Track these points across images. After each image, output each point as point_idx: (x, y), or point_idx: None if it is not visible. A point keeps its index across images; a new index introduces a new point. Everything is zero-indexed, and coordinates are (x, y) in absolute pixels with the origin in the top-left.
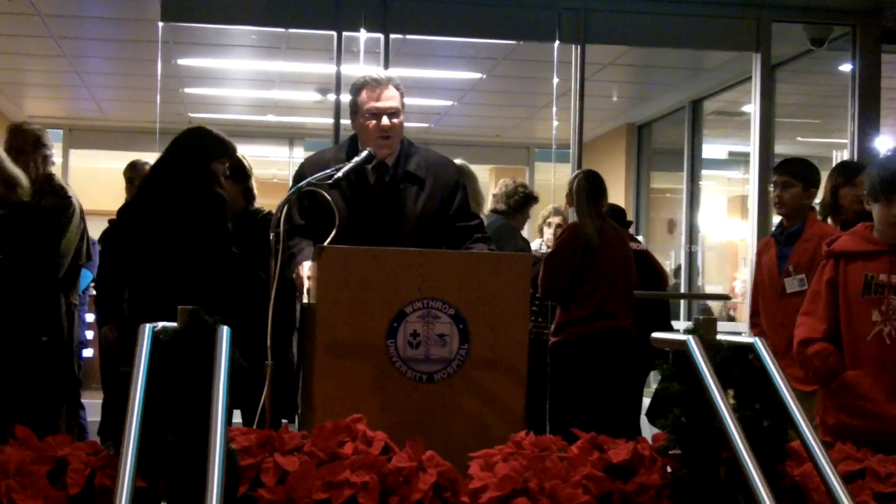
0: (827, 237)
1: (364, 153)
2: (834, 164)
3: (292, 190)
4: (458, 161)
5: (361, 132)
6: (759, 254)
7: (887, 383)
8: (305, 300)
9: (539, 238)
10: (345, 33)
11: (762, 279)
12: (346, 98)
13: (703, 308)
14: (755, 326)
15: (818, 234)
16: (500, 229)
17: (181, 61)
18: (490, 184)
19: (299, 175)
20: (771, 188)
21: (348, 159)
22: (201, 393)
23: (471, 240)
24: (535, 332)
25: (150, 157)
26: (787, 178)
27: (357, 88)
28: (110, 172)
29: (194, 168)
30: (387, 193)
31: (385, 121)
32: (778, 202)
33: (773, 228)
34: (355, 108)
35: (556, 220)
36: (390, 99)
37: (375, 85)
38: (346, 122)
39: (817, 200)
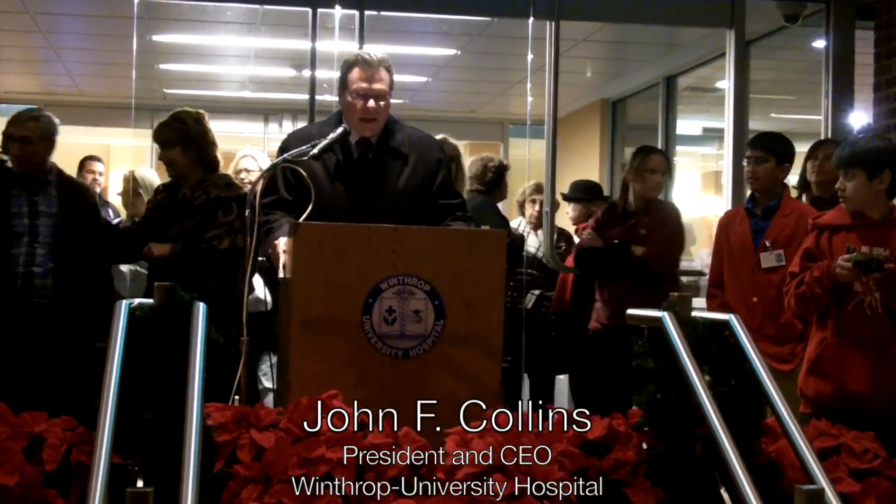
0: (805, 214)
1: (339, 130)
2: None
3: (268, 166)
4: (440, 136)
5: (347, 109)
6: (725, 225)
7: (866, 355)
8: (281, 275)
9: (520, 216)
10: (320, 10)
11: (730, 252)
12: (322, 74)
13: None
14: (714, 298)
15: (796, 210)
16: (477, 206)
17: (156, 37)
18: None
19: (283, 148)
20: (744, 163)
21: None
22: (177, 369)
23: (451, 217)
24: (509, 305)
25: (125, 133)
26: (760, 152)
27: (349, 65)
28: (85, 147)
29: None
30: (370, 169)
31: (371, 103)
32: (751, 177)
33: (745, 202)
34: (344, 84)
35: (539, 196)
36: (380, 82)
37: (367, 66)
38: (320, 98)
39: (793, 176)
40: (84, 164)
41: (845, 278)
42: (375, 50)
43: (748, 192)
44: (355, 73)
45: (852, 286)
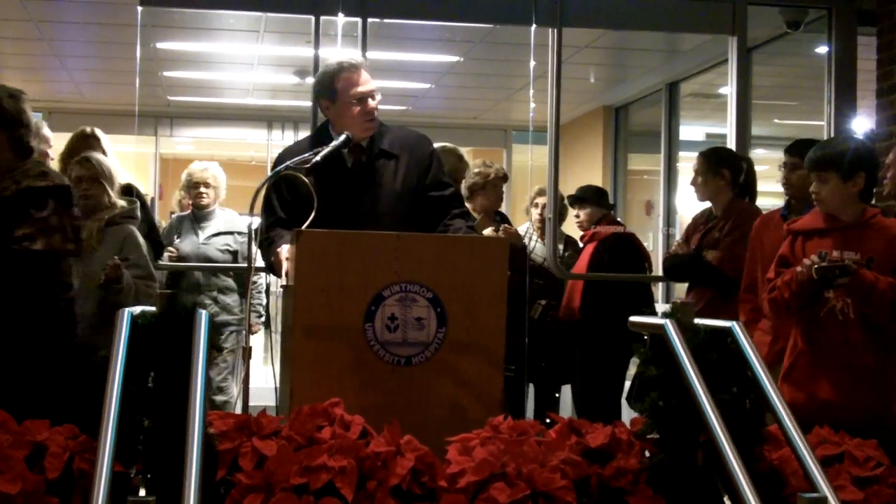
0: None
1: (342, 137)
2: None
3: (270, 175)
4: (443, 145)
5: (344, 117)
6: (760, 230)
7: (838, 362)
8: (284, 283)
9: (528, 221)
10: (323, 17)
11: (764, 258)
12: (319, 82)
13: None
14: (747, 302)
15: None
16: None
17: (160, 45)
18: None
19: (277, 166)
20: (780, 168)
21: (322, 146)
22: (179, 377)
23: (449, 215)
24: (514, 314)
25: (128, 140)
26: (795, 159)
27: (334, 74)
28: None
29: None
30: (364, 174)
31: (371, 102)
32: (785, 183)
33: (782, 208)
34: (333, 96)
35: (541, 200)
36: (369, 81)
37: (354, 69)
38: None
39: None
40: None
41: (803, 276)
42: (353, 55)
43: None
44: (346, 79)
45: (823, 292)
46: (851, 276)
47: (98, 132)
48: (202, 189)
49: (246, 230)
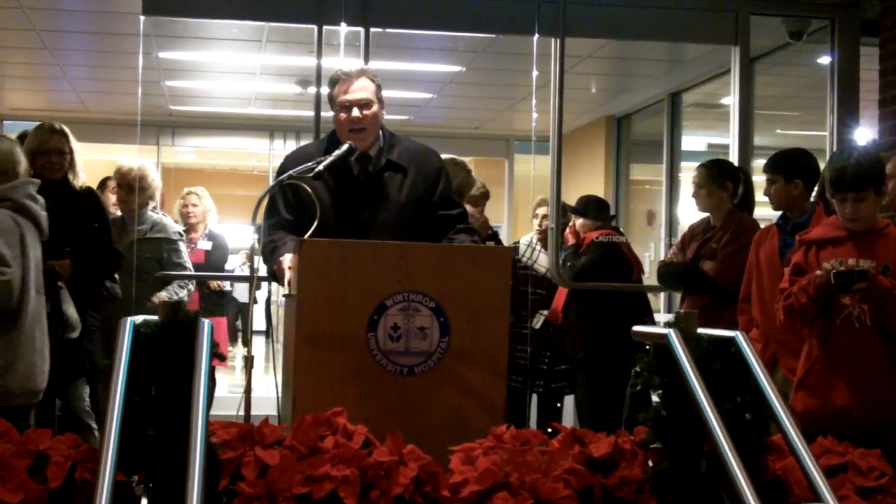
0: None
1: (345, 146)
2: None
3: (273, 183)
4: (451, 157)
5: (337, 126)
6: (758, 242)
7: (854, 369)
8: (287, 292)
9: (532, 231)
10: (325, 27)
11: (758, 268)
12: (326, 91)
13: None
14: (744, 313)
15: None
16: None
17: (162, 54)
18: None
19: (281, 170)
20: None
21: (330, 153)
22: (181, 386)
23: (454, 230)
24: (517, 324)
25: (131, 150)
26: (768, 174)
27: (331, 83)
28: (91, 164)
29: None
30: (370, 184)
31: (355, 112)
32: (768, 199)
33: (778, 219)
34: (331, 103)
35: (542, 210)
36: (360, 90)
37: (346, 78)
38: (326, 114)
39: None
40: (105, 183)
41: (821, 279)
42: (356, 63)
43: (757, 210)
44: (336, 88)
45: (840, 299)
46: (869, 281)
47: (65, 128)
48: (125, 193)
49: (174, 236)
